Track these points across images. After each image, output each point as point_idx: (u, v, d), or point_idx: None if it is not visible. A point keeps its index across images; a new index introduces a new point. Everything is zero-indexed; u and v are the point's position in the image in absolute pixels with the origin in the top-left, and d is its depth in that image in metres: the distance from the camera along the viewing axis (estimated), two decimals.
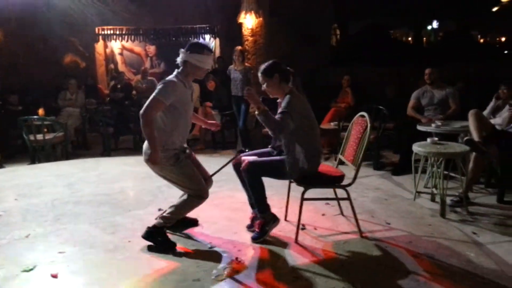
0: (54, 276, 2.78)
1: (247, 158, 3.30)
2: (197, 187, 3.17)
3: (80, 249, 3.18)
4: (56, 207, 4.15)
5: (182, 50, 3.17)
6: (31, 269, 2.87)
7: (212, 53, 3.26)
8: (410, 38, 20.57)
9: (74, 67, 9.55)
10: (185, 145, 3.33)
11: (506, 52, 16.45)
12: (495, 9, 15.54)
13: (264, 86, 3.25)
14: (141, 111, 3.02)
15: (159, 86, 3.08)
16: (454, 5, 15.03)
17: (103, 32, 10.29)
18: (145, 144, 3.20)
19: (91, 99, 8.22)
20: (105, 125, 7.10)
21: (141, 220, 3.74)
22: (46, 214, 3.95)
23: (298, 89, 3.27)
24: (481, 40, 19.48)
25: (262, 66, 3.27)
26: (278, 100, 3.35)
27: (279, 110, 3.09)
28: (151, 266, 2.89)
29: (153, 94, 3.05)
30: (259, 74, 3.26)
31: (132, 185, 4.95)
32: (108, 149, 7.03)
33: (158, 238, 3.15)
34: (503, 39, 19.49)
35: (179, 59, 3.18)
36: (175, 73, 3.20)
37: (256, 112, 3.06)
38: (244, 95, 3.24)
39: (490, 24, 18.20)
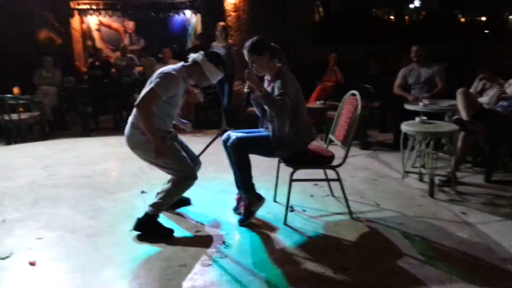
0: (32, 264, 2.63)
1: (236, 133, 3.17)
2: (184, 168, 3.02)
3: (59, 234, 3.03)
4: (33, 190, 3.96)
5: (201, 52, 3.10)
6: (7, 257, 2.72)
7: (224, 73, 3.22)
8: (392, 17, 20.46)
9: (49, 44, 9.13)
10: (170, 129, 3.18)
11: (486, 31, 16.55)
12: None
13: (253, 65, 3.09)
14: (138, 103, 2.87)
15: (158, 77, 2.92)
16: None
17: (78, 7, 9.86)
18: (128, 128, 3.05)
19: (69, 77, 7.89)
20: (83, 104, 6.83)
21: (123, 203, 3.60)
22: (23, 197, 3.76)
23: (285, 64, 3.15)
24: (462, 20, 19.51)
25: (248, 43, 3.08)
26: (265, 77, 3.22)
27: (278, 92, 2.93)
28: (135, 252, 2.77)
29: (152, 85, 2.90)
30: (245, 52, 3.08)
31: (113, 167, 4.77)
32: (87, 129, 6.79)
33: (151, 228, 2.98)
34: (483, 18, 19.56)
35: (192, 57, 3.09)
36: (180, 65, 3.06)
37: (259, 95, 2.92)
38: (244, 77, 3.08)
39: (471, 3, 18.21)
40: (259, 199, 3.19)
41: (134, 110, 2.97)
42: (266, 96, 2.90)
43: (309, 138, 3.21)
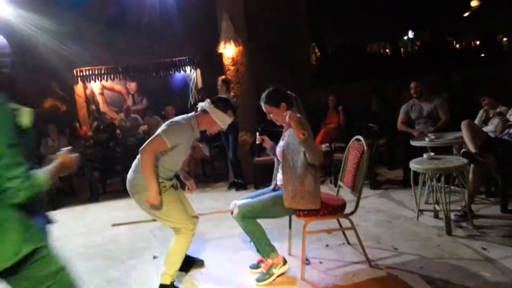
0: None
1: (238, 202, 3.10)
2: (182, 218, 3.00)
3: None
4: None
5: (208, 100, 3.10)
6: None
7: (234, 116, 3.22)
8: (387, 50, 20.82)
9: (54, 112, 9.35)
10: (172, 178, 3.16)
11: (482, 55, 16.72)
12: (466, 14, 15.84)
13: (270, 116, 3.09)
14: (142, 148, 2.88)
15: (166, 125, 2.95)
16: (426, 13, 15.31)
17: (81, 74, 10.15)
18: (130, 174, 3.04)
19: (80, 140, 8.01)
20: (91, 169, 6.87)
21: (136, 271, 3.54)
22: None
23: (302, 112, 3.09)
24: (457, 46, 19.79)
25: (264, 95, 3.07)
26: (284, 127, 3.18)
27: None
28: None
29: (158, 132, 2.91)
30: (263, 104, 3.07)
31: (124, 231, 4.73)
32: (96, 195, 6.78)
33: None
34: (477, 42, 19.83)
35: (201, 106, 3.10)
36: (190, 115, 3.08)
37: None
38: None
39: (463, 29, 18.53)
40: (284, 263, 3.10)
41: (139, 155, 2.96)
42: (308, 140, 2.79)
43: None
